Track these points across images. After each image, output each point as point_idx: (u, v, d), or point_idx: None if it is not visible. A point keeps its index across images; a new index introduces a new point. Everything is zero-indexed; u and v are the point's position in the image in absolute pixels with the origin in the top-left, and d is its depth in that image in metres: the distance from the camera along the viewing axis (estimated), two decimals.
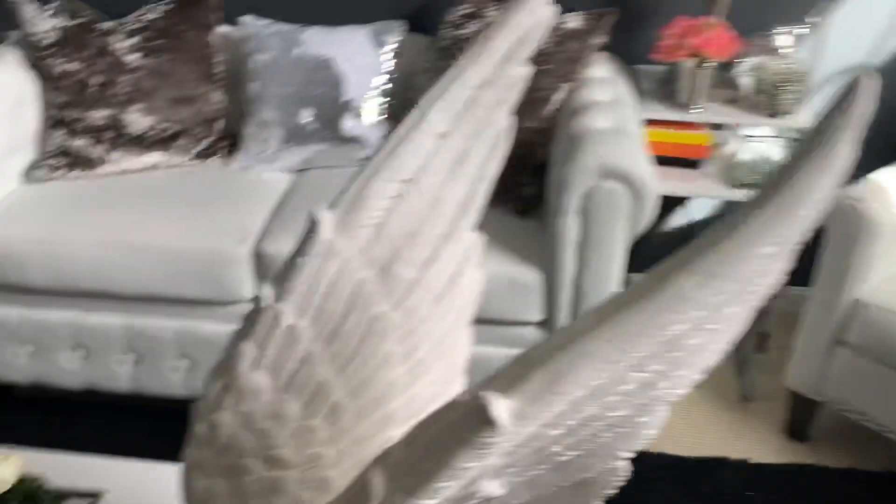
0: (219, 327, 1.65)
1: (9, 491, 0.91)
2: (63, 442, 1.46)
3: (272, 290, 0.68)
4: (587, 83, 1.70)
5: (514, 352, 0.50)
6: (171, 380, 1.72)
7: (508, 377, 0.46)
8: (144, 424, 1.81)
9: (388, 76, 1.85)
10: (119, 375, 1.73)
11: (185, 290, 1.60)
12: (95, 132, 1.81)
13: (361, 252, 0.68)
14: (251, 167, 1.85)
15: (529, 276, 1.53)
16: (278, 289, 0.67)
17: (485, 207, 0.73)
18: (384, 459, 0.53)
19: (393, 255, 0.69)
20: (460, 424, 0.46)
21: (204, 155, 1.88)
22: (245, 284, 1.60)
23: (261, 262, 1.59)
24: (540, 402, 0.45)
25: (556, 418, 0.47)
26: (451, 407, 0.49)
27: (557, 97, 1.68)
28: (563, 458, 0.52)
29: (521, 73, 0.68)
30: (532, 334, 1.59)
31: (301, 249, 0.67)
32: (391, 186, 0.67)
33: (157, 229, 1.61)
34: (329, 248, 0.67)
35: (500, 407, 0.44)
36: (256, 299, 0.68)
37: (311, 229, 0.66)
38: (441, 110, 0.66)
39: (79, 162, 1.81)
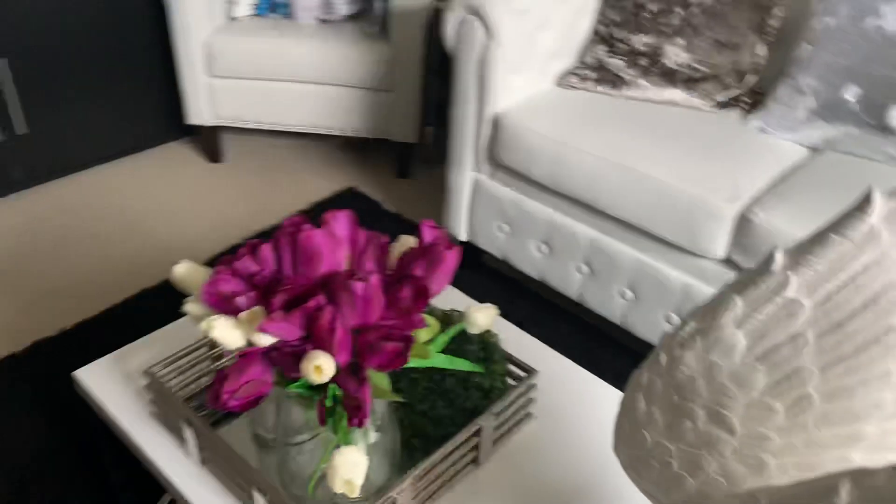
0: (675, 274, 1.66)
1: (475, 334, 1.06)
2: (506, 317, 1.64)
3: (786, 257, 0.63)
4: None
5: None
6: (612, 303, 1.80)
7: None
8: (576, 329, 1.94)
9: None
10: (570, 280, 1.87)
11: (660, 228, 1.63)
12: (634, 55, 1.89)
13: None
14: (768, 130, 1.75)
15: None
16: (794, 258, 0.63)
17: None
18: (861, 478, 0.47)
19: None
20: None
21: (725, 105, 1.84)
22: (719, 242, 1.56)
23: (742, 226, 1.52)
24: None
25: None
26: None
27: None
28: None
29: None
30: None
31: (838, 226, 0.61)
32: None
33: (655, 161, 1.64)
34: (870, 234, 0.60)
35: None
36: (768, 259, 0.64)
37: (860, 208, 0.59)
38: None
39: (608, 79, 1.91)
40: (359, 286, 0.75)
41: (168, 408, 1.08)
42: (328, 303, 0.76)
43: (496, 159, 1.88)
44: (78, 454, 1.56)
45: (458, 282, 2.06)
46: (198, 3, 2.33)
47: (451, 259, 0.82)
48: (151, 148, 2.70)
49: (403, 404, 1.07)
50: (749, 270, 0.67)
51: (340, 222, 0.84)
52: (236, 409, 0.77)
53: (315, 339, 0.76)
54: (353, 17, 2.55)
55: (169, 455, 1.09)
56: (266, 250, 0.80)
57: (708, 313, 0.69)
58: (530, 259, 1.94)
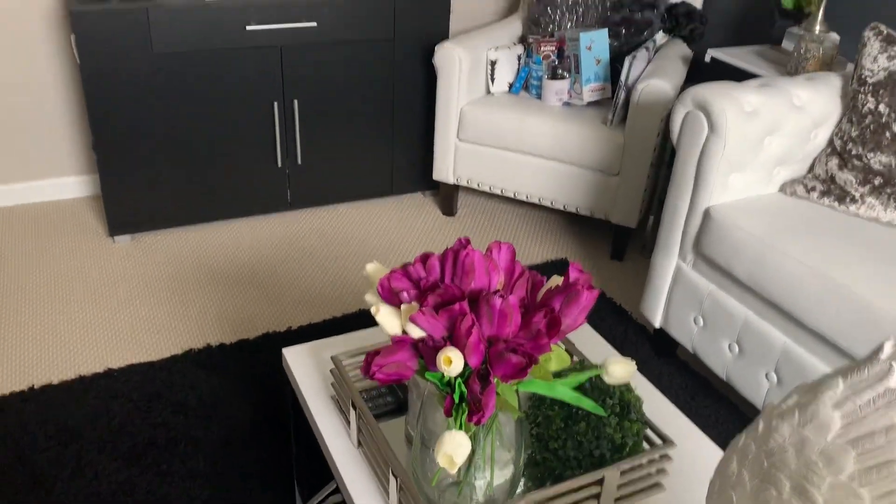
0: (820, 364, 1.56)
1: (615, 386, 1.13)
2: (685, 412, 1.65)
3: (894, 348, 0.66)
4: None
5: None
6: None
7: None
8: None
9: None
10: (757, 387, 1.81)
11: (857, 346, 1.55)
12: (868, 173, 1.83)
13: None
14: None
15: None
16: None
17: None
18: None
19: None
20: None
21: None
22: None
23: None
24: None
25: None
26: None
27: None
28: None
29: None
30: None
31: None
32: None
33: (864, 278, 1.58)
34: None
35: None
36: (877, 348, 0.67)
37: None
38: None
39: (834, 192, 1.87)
40: (497, 301, 0.88)
41: (342, 391, 1.27)
42: (471, 311, 0.90)
43: (700, 249, 1.91)
44: (277, 429, 1.83)
45: (644, 368, 2.09)
46: (463, 77, 2.64)
47: (588, 298, 0.92)
48: (397, 195, 3.05)
49: (537, 439, 1.16)
50: (860, 359, 0.70)
51: (502, 253, 0.98)
52: (381, 381, 0.92)
53: (454, 338, 0.90)
54: (595, 104, 2.72)
55: (335, 432, 1.27)
56: (434, 260, 0.95)
57: (811, 390, 0.72)
58: (720, 357, 1.91)
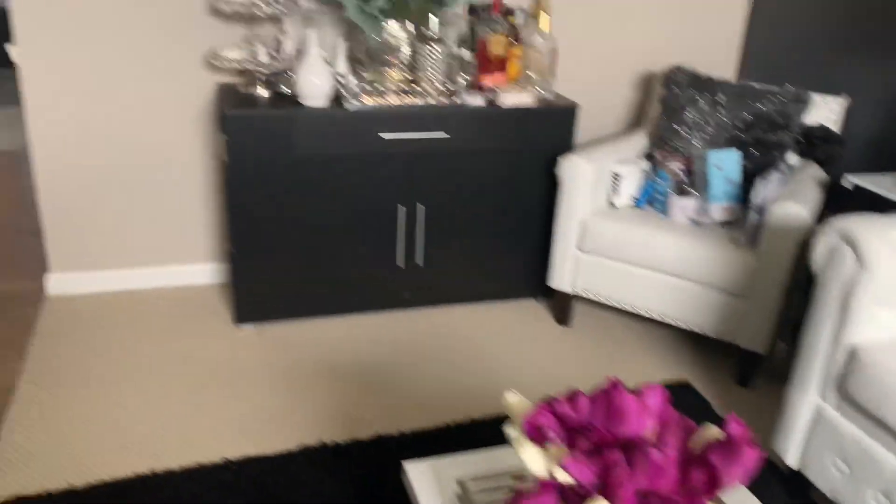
0: None
1: None
2: None
3: None
4: None
5: None
6: None
7: None
8: None
9: None
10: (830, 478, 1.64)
11: None
12: None
13: None
14: None
15: None
16: None
17: None
18: None
19: None
20: None
21: None
22: None
23: None
24: None
25: None
26: None
27: None
28: None
29: None
30: None
31: None
32: None
33: None
34: None
35: None
36: None
37: None
38: None
39: None
40: (655, 454, 0.83)
41: None
42: (625, 461, 0.85)
43: (846, 392, 1.78)
44: None
45: None
46: (586, 189, 2.65)
47: (751, 458, 0.86)
48: (511, 299, 3.04)
49: None
50: None
51: (654, 396, 0.94)
52: None
53: (605, 488, 0.85)
54: (724, 224, 2.65)
55: None
56: (583, 399, 0.92)
57: None
58: (828, 477, 1.75)
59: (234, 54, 2.57)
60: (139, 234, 2.95)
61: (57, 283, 2.91)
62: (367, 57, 2.69)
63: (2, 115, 5.17)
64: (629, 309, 2.69)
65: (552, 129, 2.76)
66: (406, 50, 2.65)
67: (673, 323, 2.61)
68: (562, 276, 2.79)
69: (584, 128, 3.31)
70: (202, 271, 3.07)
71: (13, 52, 2.62)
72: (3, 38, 6.18)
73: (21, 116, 5.10)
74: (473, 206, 2.79)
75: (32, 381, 2.36)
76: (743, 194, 2.68)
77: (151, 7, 2.65)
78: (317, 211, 2.62)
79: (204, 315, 2.82)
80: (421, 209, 2.72)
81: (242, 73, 2.73)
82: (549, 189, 2.85)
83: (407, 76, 2.66)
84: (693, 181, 2.68)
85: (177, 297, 2.94)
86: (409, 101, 2.60)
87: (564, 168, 2.67)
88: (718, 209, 2.63)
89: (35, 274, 3.02)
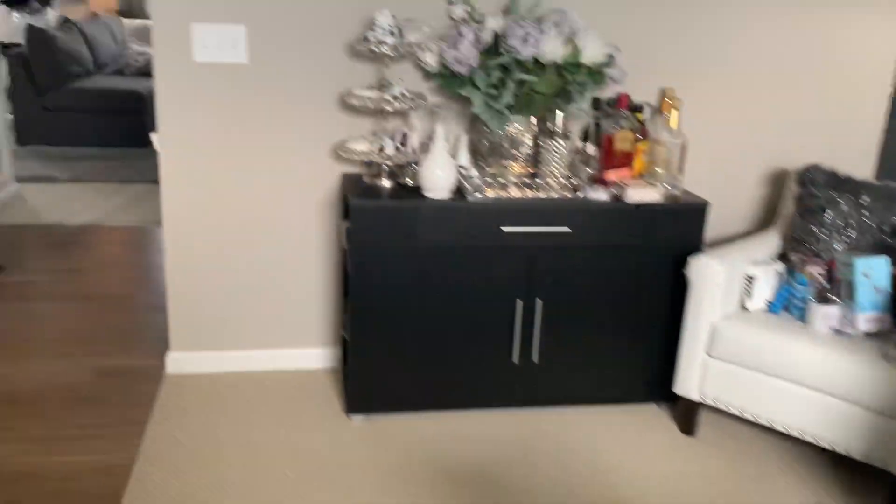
0: None
1: None
2: None
3: None
4: None
5: None
6: None
7: None
8: None
9: None
10: None
11: None
12: None
13: None
14: None
15: None
16: None
17: None
18: None
19: None
20: None
21: None
22: None
23: None
24: None
25: None
26: None
27: None
28: None
29: None
30: None
31: None
32: None
33: None
34: None
35: None
36: None
37: None
38: None
39: None
40: None
41: None
42: None
43: None
44: None
45: None
46: (717, 291, 2.50)
47: None
48: (631, 403, 2.87)
49: None
50: None
51: None
52: None
53: None
54: (871, 335, 2.44)
55: None
56: None
57: None
58: None
59: (361, 146, 2.61)
60: (258, 316, 2.99)
61: (175, 362, 2.96)
62: (489, 150, 2.69)
63: (133, 192, 5.49)
64: (762, 422, 2.48)
65: (680, 226, 2.65)
66: (529, 143, 2.63)
67: (814, 441, 2.38)
68: (688, 382, 2.61)
69: (709, 225, 3.17)
70: (316, 355, 3.06)
71: (154, 139, 2.76)
72: (139, 118, 6.65)
73: (148, 194, 5.40)
74: (594, 304, 2.69)
75: (148, 460, 2.37)
76: (892, 304, 2.46)
77: (287, 103, 2.75)
78: (434, 302, 2.58)
79: (315, 402, 2.79)
80: (539, 304, 2.64)
81: (368, 164, 2.78)
82: (674, 288, 2.71)
83: (529, 169, 2.63)
84: (836, 287, 2.50)
85: (289, 381, 2.94)
86: (531, 194, 2.56)
87: (694, 268, 2.54)
88: (865, 319, 2.43)
89: (157, 351, 3.09)
